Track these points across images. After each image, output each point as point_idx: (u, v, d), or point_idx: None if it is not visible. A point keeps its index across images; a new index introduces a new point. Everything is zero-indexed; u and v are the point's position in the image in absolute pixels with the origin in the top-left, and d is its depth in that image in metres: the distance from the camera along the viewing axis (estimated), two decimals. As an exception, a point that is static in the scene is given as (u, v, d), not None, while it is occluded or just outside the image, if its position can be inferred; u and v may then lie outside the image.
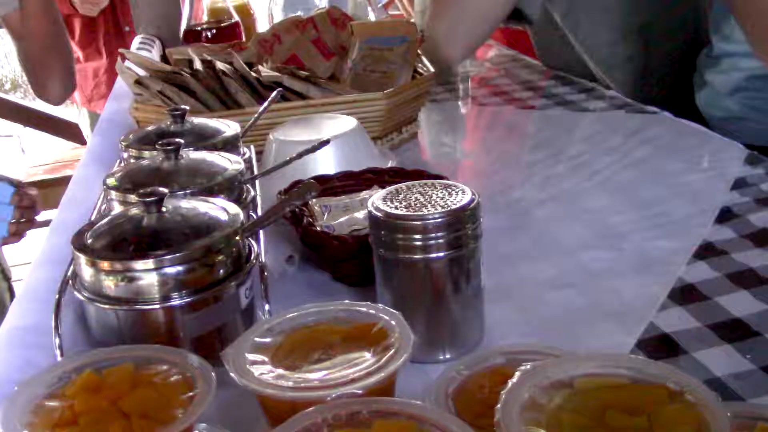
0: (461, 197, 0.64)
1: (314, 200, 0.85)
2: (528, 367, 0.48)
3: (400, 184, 0.68)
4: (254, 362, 0.53)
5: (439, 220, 0.62)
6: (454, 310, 0.65)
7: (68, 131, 3.18)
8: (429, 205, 0.63)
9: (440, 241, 0.62)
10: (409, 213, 0.62)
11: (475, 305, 0.67)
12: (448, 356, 0.66)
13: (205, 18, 1.56)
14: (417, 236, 0.62)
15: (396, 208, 0.64)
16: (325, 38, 1.32)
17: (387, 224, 0.63)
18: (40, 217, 1.26)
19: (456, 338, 0.66)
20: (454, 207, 0.62)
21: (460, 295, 0.65)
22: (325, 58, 1.29)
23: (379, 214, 0.64)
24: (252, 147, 0.98)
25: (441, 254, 0.63)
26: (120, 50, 1.29)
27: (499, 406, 0.45)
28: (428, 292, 0.64)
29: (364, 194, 0.88)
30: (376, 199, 0.66)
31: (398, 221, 0.62)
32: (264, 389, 0.50)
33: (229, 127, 0.91)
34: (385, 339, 0.54)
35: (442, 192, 0.65)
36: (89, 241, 0.63)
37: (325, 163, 0.97)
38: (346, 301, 0.59)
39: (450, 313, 0.65)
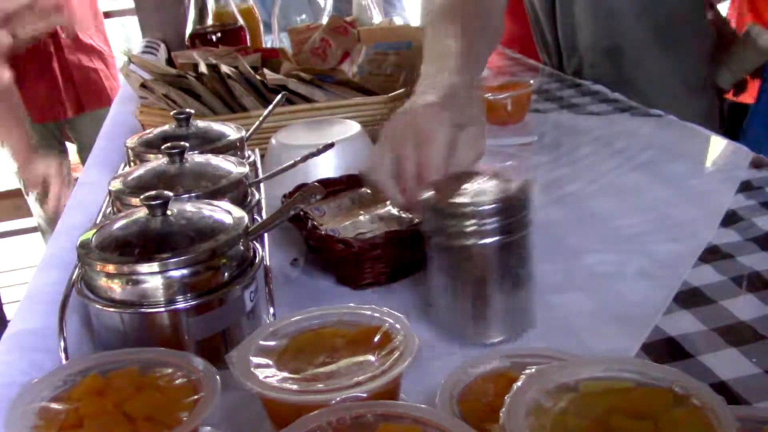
0: (513, 185, 0.66)
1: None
2: (533, 370, 0.48)
3: (452, 174, 0.70)
4: (259, 365, 0.53)
5: (493, 206, 0.64)
6: (507, 293, 0.67)
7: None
8: (482, 193, 0.65)
9: (494, 226, 0.64)
10: (463, 200, 0.65)
11: (527, 289, 0.68)
12: (500, 338, 0.68)
13: (210, 22, 1.56)
14: (471, 222, 0.64)
15: (449, 196, 0.66)
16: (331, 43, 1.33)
17: (442, 212, 0.66)
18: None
19: (508, 321, 0.68)
20: (506, 194, 0.65)
21: (512, 279, 0.67)
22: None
23: (435, 202, 0.66)
24: (257, 150, 0.98)
25: (494, 240, 0.65)
26: (126, 54, 1.29)
27: (504, 409, 0.45)
28: (482, 277, 0.66)
29: (349, 194, 0.88)
30: (428, 188, 0.68)
31: (453, 208, 0.65)
32: (268, 392, 0.50)
33: (233, 130, 0.92)
34: (390, 342, 0.54)
35: (494, 180, 0.68)
36: (94, 244, 0.63)
37: (327, 167, 0.97)
38: (351, 305, 0.59)
39: (502, 297, 0.67)
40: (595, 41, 1.42)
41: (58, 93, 2.48)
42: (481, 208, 0.64)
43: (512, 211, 0.65)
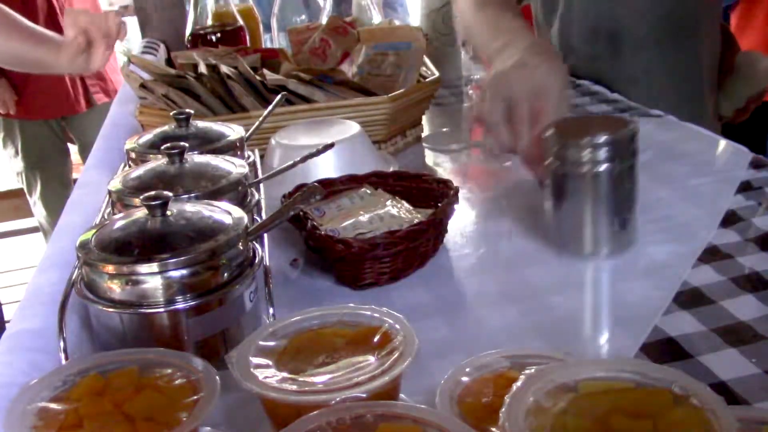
0: (620, 124, 0.80)
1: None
2: (532, 371, 0.48)
3: (565, 118, 0.85)
4: (258, 365, 0.53)
5: (609, 137, 0.77)
6: (618, 213, 0.81)
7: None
8: (597, 128, 0.78)
9: (609, 155, 0.77)
10: (584, 134, 0.78)
11: (633, 209, 0.82)
12: (609, 251, 0.81)
13: (209, 22, 1.56)
14: (590, 151, 0.77)
15: (571, 132, 0.80)
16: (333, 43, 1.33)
17: (568, 143, 0.79)
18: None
19: (617, 237, 0.82)
20: (618, 128, 0.79)
21: (623, 200, 0.81)
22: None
23: (561, 136, 0.79)
24: (256, 150, 0.98)
25: (609, 166, 0.78)
26: (126, 54, 1.29)
27: (503, 410, 0.45)
28: (598, 199, 0.80)
29: (349, 194, 0.88)
30: (548, 127, 0.82)
31: (577, 140, 0.78)
32: (268, 393, 0.50)
33: (233, 130, 0.92)
34: (390, 342, 0.54)
35: (603, 121, 0.84)
36: (94, 244, 0.63)
37: (327, 168, 0.97)
38: (351, 305, 0.59)
39: (615, 216, 0.81)
40: (596, 31, 1.41)
41: (66, 88, 2.50)
42: (600, 140, 0.77)
43: (624, 142, 0.78)
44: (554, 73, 0.90)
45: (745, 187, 0.95)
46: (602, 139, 0.77)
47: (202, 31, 1.54)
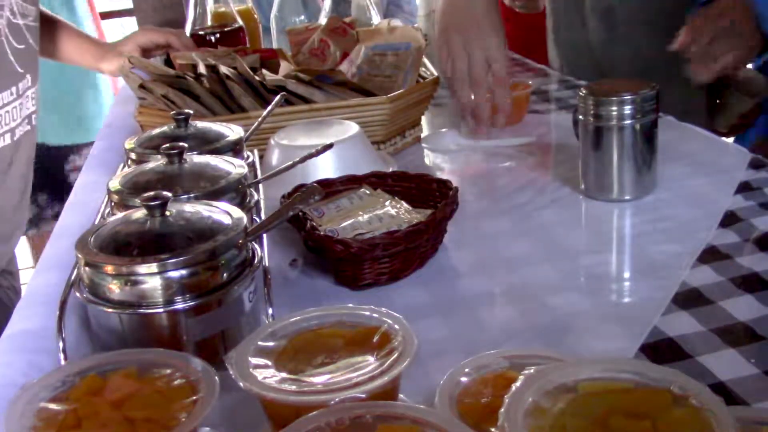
0: (644, 86, 0.91)
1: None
2: (532, 371, 0.48)
3: (599, 81, 0.98)
4: (257, 366, 0.53)
5: (632, 97, 0.90)
6: (640, 162, 0.93)
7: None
8: (623, 92, 0.90)
9: (632, 111, 0.90)
10: (615, 95, 0.90)
11: (653, 159, 0.94)
12: (632, 197, 0.94)
13: (209, 23, 1.56)
14: (616, 108, 0.90)
15: (599, 94, 0.92)
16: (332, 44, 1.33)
17: (599, 101, 0.91)
18: None
19: (639, 183, 0.94)
20: (639, 89, 0.90)
21: (645, 151, 0.93)
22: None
23: (596, 94, 0.92)
24: (255, 151, 0.98)
25: (633, 121, 0.90)
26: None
27: (502, 410, 0.45)
28: (624, 149, 0.92)
29: (348, 195, 0.89)
30: (582, 89, 0.95)
31: (608, 97, 0.91)
32: (267, 393, 0.50)
33: (232, 131, 0.92)
34: (389, 343, 0.54)
35: (629, 83, 0.93)
36: (93, 244, 0.63)
37: (326, 168, 0.97)
38: (350, 305, 0.59)
39: (638, 165, 0.93)
40: (591, 7, 1.41)
41: None
42: (626, 98, 0.90)
43: (646, 101, 0.91)
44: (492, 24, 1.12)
45: (744, 188, 0.95)
46: (627, 97, 0.90)
47: (201, 32, 1.54)
